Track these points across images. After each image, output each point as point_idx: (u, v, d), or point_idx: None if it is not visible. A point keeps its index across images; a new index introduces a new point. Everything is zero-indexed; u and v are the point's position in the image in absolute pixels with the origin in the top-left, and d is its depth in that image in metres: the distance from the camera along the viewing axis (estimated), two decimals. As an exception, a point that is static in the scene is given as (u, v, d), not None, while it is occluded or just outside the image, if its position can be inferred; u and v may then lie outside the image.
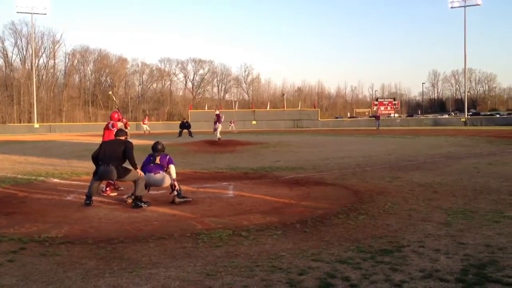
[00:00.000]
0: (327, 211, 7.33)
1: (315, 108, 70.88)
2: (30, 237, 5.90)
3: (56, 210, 7.84)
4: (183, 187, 10.03)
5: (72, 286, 4.09)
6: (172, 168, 8.96)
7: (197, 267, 4.59)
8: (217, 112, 30.67)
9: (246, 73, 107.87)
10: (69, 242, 5.67)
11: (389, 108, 76.45)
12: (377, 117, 56.08)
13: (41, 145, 27.21)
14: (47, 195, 9.38)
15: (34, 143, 28.89)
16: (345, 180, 10.82)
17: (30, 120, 69.02)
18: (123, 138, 8.94)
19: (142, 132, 42.09)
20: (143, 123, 46.11)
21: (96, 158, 8.77)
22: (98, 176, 8.63)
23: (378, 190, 9.31)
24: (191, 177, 11.93)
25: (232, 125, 55.27)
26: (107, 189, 9.50)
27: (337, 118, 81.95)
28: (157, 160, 8.89)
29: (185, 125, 37.74)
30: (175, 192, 8.96)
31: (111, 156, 8.45)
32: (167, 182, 8.71)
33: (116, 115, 10.29)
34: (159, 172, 8.77)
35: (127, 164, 8.47)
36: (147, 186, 8.63)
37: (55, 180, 11.64)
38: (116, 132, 9.27)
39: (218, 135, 28.20)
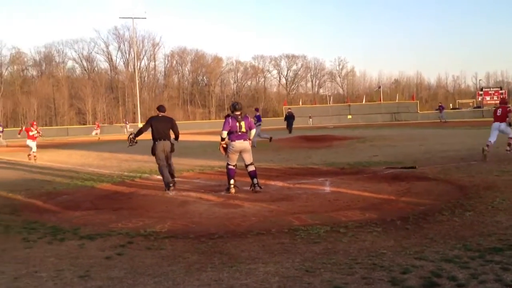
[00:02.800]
0: (430, 207, 7.01)
1: (413, 100, 68.33)
2: (136, 231, 6.21)
3: (159, 206, 8.20)
4: (279, 183, 10.11)
5: (176, 279, 4.23)
6: (253, 132, 9.56)
7: (296, 263, 4.57)
8: (258, 113, 26.13)
9: (340, 66, 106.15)
10: (173, 236, 5.89)
11: (495, 98, 71.79)
12: (441, 108, 49.82)
13: (145, 144, 28.57)
14: (151, 191, 9.83)
15: (138, 142, 30.40)
16: (448, 174, 10.29)
17: (134, 120, 72.81)
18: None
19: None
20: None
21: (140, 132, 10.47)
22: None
23: (485, 185, 8.74)
24: (287, 173, 11.95)
25: (311, 120, 54.99)
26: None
27: (456, 109, 78.24)
28: (243, 127, 9.16)
29: (292, 117, 35.33)
30: (255, 180, 9.13)
31: (164, 131, 10.06)
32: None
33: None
34: (247, 140, 9.29)
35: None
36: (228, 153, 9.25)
37: (158, 177, 12.13)
38: (160, 108, 10.43)
39: (262, 135, 23.33)
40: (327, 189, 9.29)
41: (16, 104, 76.96)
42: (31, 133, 19.87)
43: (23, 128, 21.39)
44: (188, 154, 18.86)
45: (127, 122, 60.46)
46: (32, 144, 19.47)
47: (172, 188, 9.64)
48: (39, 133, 20.99)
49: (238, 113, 9.27)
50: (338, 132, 32.45)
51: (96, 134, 46.01)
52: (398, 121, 57.89)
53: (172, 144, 10.12)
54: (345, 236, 5.58)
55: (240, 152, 9.27)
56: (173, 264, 4.71)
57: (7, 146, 30.51)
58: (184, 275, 4.35)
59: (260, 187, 9.27)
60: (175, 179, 10.09)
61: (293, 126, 34.88)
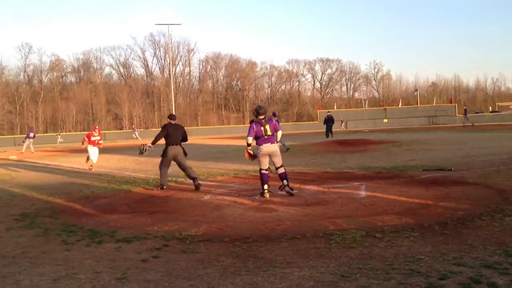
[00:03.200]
0: (469, 212, 6.84)
1: (451, 103, 66.94)
2: (172, 234, 6.27)
3: (194, 209, 8.26)
4: (314, 188, 10.05)
5: (211, 283, 4.25)
6: (280, 134, 9.58)
7: (331, 268, 4.53)
8: (275, 119, 24.20)
9: (376, 70, 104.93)
10: (208, 240, 5.92)
11: (538, 100, 69.78)
12: (465, 112, 49.22)
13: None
14: (186, 195, 9.93)
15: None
16: (488, 179, 10.03)
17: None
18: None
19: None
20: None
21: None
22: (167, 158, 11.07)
23: (527, 189, 8.49)
24: (321, 177, 11.88)
25: (343, 124, 54.46)
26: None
27: (477, 113, 76.41)
28: (268, 131, 9.22)
29: (331, 120, 34.04)
30: (285, 182, 9.19)
31: (177, 137, 11.06)
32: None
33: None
34: (274, 142, 9.39)
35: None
36: (255, 157, 9.44)
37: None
38: (171, 116, 11.60)
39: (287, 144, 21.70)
40: (363, 193, 9.18)
41: (56, 110, 78.96)
42: (93, 138, 17.52)
43: (85, 137, 17.66)
44: (223, 159, 18.98)
45: (136, 129, 61.77)
46: (93, 151, 17.22)
47: (165, 187, 10.89)
48: (100, 139, 18.07)
49: (261, 117, 9.32)
50: (373, 136, 32.07)
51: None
52: (436, 124, 56.82)
53: (183, 149, 11.17)
54: (381, 241, 5.50)
55: (270, 155, 9.31)
56: (208, 267, 4.73)
57: (32, 153, 30.77)
58: (218, 278, 4.37)
59: (292, 189, 9.24)
60: (198, 180, 10.88)
61: (331, 129, 34.18)
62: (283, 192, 9.23)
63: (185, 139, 11.35)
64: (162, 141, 11.14)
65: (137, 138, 55.38)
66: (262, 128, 9.21)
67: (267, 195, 9.08)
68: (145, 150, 11.71)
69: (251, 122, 9.44)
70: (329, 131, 33.09)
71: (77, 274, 4.67)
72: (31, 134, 33.27)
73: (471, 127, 41.44)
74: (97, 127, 19.24)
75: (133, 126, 68.37)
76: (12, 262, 5.26)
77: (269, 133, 9.23)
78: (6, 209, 8.95)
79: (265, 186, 9.19)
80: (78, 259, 5.24)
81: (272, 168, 9.48)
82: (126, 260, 5.15)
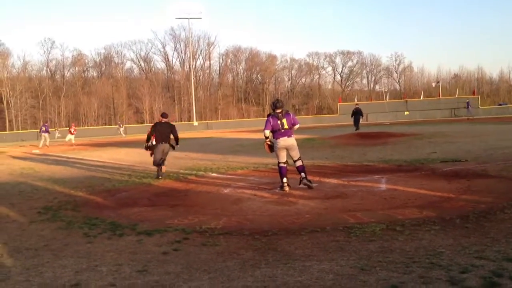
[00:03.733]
0: (492, 206, 6.74)
1: (474, 95, 65.88)
2: (192, 227, 6.31)
3: (214, 203, 8.30)
4: (334, 181, 10.02)
5: (231, 275, 4.27)
6: (296, 127, 9.58)
7: (351, 261, 4.51)
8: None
9: (397, 62, 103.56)
10: (227, 233, 5.95)
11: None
12: (468, 105, 48.58)
13: (200, 142, 29.11)
14: (206, 189, 9.98)
15: (194, 140, 30.97)
16: (511, 172, 9.87)
17: (189, 119, 74.11)
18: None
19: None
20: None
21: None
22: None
23: (551, 182, 8.34)
24: (342, 170, 11.83)
25: (361, 117, 53.94)
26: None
27: (500, 105, 74.97)
28: (285, 124, 9.22)
29: (359, 113, 32.51)
30: (303, 174, 9.25)
31: (165, 135, 12.30)
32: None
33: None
34: (292, 136, 9.39)
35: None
36: (273, 150, 9.54)
37: (213, 174, 12.34)
38: (163, 115, 13.03)
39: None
40: (383, 186, 9.12)
41: (78, 104, 79.98)
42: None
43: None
44: (243, 152, 19.02)
45: (121, 125, 57.70)
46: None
47: (160, 177, 11.86)
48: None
49: (279, 111, 9.33)
50: (394, 129, 31.78)
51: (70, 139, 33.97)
52: (458, 117, 56.04)
53: (171, 145, 12.45)
54: (402, 234, 5.46)
55: (287, 149, 9.33)
56: (227, 260, 4.76)
57: (47, 147, 31.07)
58: (238, 271, 4.39)
59: (310, 182, 9.24)
60: (163, 167, 12.28)
61: (359, 122, 33.48)
62: (302, 186, 9.22)
63: (176, 138, 12.58)
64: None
65: (121, 135, 51.79)
66: (278, 122, 9.24)
67: (286, 188, 9.08)
68: (149, 147, 12.85)
69: (268, 115, 9.48)
70: (357, 123, 32.62)
71: (99, 266, 4.74)
72: (43, 129, 32.81)
73: (471, 120, 41.03)
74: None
75: (119, 122, 63.92)
76: (36, 254, 5.35)
77: (286, 126, 9.24)
78: (29, 202, 9.10)
79: (284, 179, 9.20)
80: (99, 252, 5.32)
81: (290, 161, 9.47)
82: (147, 252, 5.21)
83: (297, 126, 9.54)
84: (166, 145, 12.30)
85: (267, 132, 9.45)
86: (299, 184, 9.27)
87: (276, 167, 9.67)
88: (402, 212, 6.71)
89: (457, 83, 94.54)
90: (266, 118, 9.50)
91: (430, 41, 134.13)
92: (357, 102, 45.25)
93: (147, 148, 12.90)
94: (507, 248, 4.69)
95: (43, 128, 32.96)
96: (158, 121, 12.90)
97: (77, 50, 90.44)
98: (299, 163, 9.36)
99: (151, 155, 12.72)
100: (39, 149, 28.65)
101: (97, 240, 5.90)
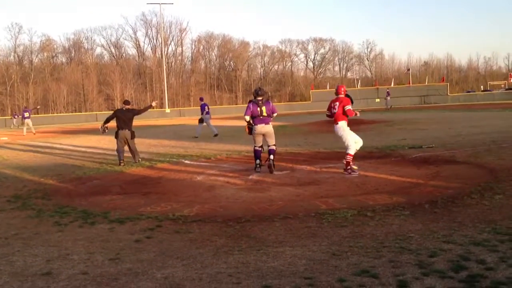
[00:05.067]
0: (459, 191, 6.92)
1: (443, 82, 67.01)
2: (165, 215, 6.30)
3: (187, 190, 8.29)
4: (306, 168, 10.10)
5: (204, 262, 4.29)
6: (275, 115, 10.17)
7: (323, 247, 4.58)
8: (202, 102, 22.92)
9: (369, 49, 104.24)
10: (200, 220, 5.96)
11: (528, 78, 69.94)
12: (387, 94, 47.84)
13: (173, 129, 28.91)
14: (179, 176, 9.95)
15: (166, 127, 30.75)
16: (478, 158, 10.11)
17: (162, 106, 73.38)
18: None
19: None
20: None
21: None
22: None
23: (516, 168, 8.58)
24: (314, 157, 11.93)
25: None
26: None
27: (468, 92, 76.48)
28: (264, 112, 9.73)
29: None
30: (271, 157, 9.74)
31: (126, 122, 12.21)
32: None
33: None
34: (269, 123, 9.92)
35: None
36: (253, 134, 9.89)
37: (186, 161, 12.29)
38: (125, 102, 13.10)
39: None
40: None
41: (46, 91, 78.17)
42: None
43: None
44: (216, 139, 18.97)
45: (16, 115, 48.89)
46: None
47: (122, 163, 11.88)
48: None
49: (259, 98, 9.85)
50: (365, 116, 32.11)
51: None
52: (428, 104, 56.91)
53: (132, 132, 12.35)
54: (372, 219, 5.56)
55: (264, 135, 9.89)
56: (201, 247, 4.77)
57: (34, 134, 29.67)
58: (212, 258, 4.41)
59: (274, 167, 9.62)
60: (139, 158, 12.44)
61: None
62: (265, 164, 9.71)
63: (144, 111, 13.26)
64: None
65: (15, 126, 44.77)
66: (258, 109, 9.77)
67: (258, 169, 9.57)
68: (104, 130, 13.04)
69: (249, 101, 9.99)
70: None
71: (70, 255, 4.70)
72: (26, 114, 31.38)
73: (388, 109, 42.10)
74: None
75: (14, 113, 56.31)
76: (6, 243, 5.28)
77: (264, 114, 9.77)
78: (-2, 191, 8.93)
79: (257, 161, 9.74)
80: (71, 240, 5.27)
81: (266, 148, 9.63)
82: (119, 240, 5.18)
83: (275, 115, 10.09)
84: (127, 132, 12.22)
85: (247, 118, 9.89)
86: (265, 163, 9.73)
87: (249, 154, 9.82)
88: (373, 198, 6.83)
89: (426, 71, 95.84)
90: (247, 104, 10.02)
91: (401, 29, 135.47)
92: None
93: (103, 130, 13.00)
94: (474, 232, 4.82)
95: (26, 114, 31.41)
96: (119, 108, 12.91)
97: (46, 35, 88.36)
98: (272, 147, 9.87)
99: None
100: (7, 137, 27.98)
101: (68, 229, 5.84)
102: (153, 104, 13.45)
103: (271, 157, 9.68)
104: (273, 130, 10.00)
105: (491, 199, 6.31)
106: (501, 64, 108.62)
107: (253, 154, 10.00)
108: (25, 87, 77.66)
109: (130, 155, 12.50)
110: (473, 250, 4.24)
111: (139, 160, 12.23)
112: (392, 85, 67.50)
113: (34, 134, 29.51)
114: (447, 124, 20.75)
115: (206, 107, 22.01)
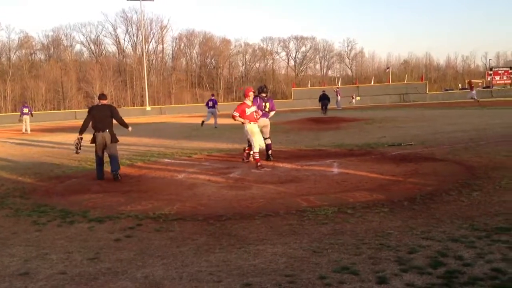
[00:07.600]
0: (437, 188, 7.01)
1: (422, 81, 67.69)
2: (145, 213, 6.26)
3: (168, 189, 8.24)
4: (288, 165, 10.13)
5: (185, 261, 4.28)
6: (272, 114, 11.42)
7: (303, 244, 4.60)
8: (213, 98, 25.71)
9: (349, 48, 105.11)
10: (181, 218, 5.93)
11: (505, 77, 71.02)
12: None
13: (153, 127, 28.71)
14: (160, 174, 9.87)
15: (146, 125, 30.52)
16: (456, 155, 10.26)
17: (142, 104, 72.89)
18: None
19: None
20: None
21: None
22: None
23: (493, 165, 8.72)
24: (295, 155, 11.96)
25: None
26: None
27: (446, 90, 77.50)
28: (267, 107, 11.09)
29: (326, 98, 34.55)
30: (270, 152, 10.90)
31: (103, 121, 9.61)
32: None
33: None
34: (268, 117, 11.21)
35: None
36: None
37: (167, 160, 12.22)
38: (100, 96, 10.16)
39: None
40: (335, 170, 9.29)
41: (25, 88, 77.01)
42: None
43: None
44: (197, 137, 18.90)
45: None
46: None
47: (118, 178, 9.29)
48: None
49: (264, 95, 11.19)
50: (346, 113, 32.30)
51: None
52: (407, 102, 57.45)
53: (113, 135, 9.66)
54: (353, 217, 5.60)
55: (263, 127, 10.90)
56: (181, 246, 4.75)
57: (28, 133, 26.50)
58: (192, 256, 4.40)
59: (271, 159, 10.78)
60: (118, 171, 9.49)
61: (327, 107, 34.67)
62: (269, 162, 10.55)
63: (120, 122, 10.02)
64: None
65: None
66: (263, 104, 11.06)
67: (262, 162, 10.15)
68: (79, 146, 9.91)
69: (256, 96, 11.00)
70: (325, 108, 34.02)
71: (49, 254, 4.64)
72: (25, 110, 27.52)
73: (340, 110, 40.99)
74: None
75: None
76: (-18, 243, 5.19)
77: (267, 109, 11.13)
78: (-25, 190, 8.77)
79: (260, 162, 10.14)
80: (49, 240, 5.20)
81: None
82: (98, 240, 5.13)
83: (273, 113, 11.42)
84: (107, 134, 9.55)
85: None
86: (266, 159, 10.65)
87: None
88: (353, 195, 6.88)
89: (406, 69, 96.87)
90: (255, 97, 10.90)
91: (382, 27, 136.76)
92: (324, 88, 45.13)
93: (77, 147, 9.89)
94: (451, 228, 4.89)
95: (24, 110, 27.61)
96: (94, 105, 10.06)
97: (24, 32, 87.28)
98: (268, 141, 11.00)
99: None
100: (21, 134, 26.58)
101: (47, 228, 5.76)
102: (129, 129, 10.37)
103: (270, 152, 10.93)
104: (269, 123, 11.31)
105: (469, 196, 6.41)
106: (478, 63, 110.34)
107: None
108: (3, 84, 76.44)
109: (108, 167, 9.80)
110: (451, 246, 4.30)
111: (117, 176, 9.36)
112: (372, 83, 68.04)
113: (28, 133, 26.67)
114: (426, 122, 21.00)
115: (210, 102, 24.95)
